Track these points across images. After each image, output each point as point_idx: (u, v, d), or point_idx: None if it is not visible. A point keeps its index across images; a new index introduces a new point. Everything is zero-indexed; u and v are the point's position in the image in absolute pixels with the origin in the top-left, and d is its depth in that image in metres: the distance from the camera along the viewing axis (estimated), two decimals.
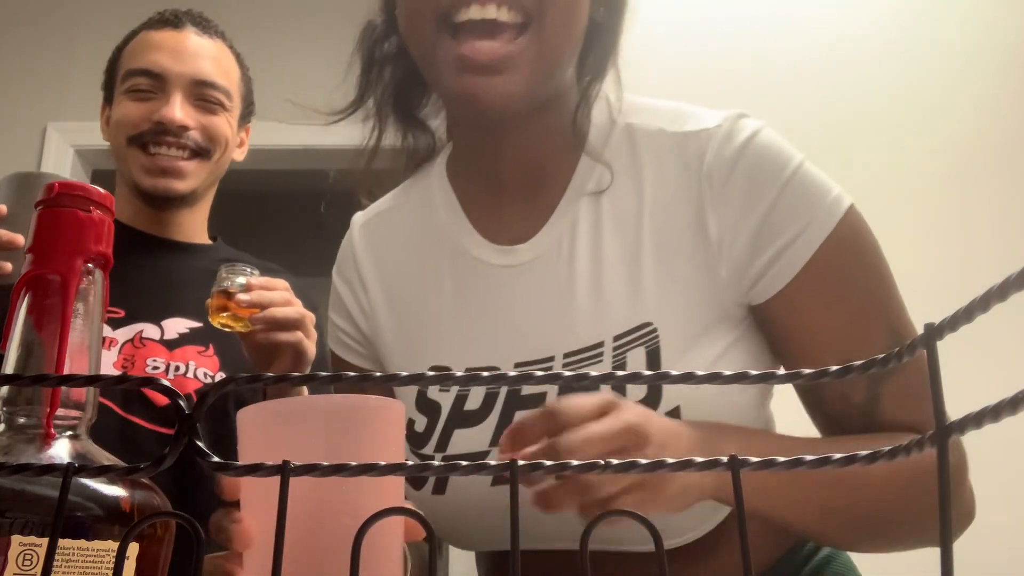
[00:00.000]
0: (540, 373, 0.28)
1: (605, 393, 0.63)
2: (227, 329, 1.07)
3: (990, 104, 1.98)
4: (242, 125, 1.40)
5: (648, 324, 0.74)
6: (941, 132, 1.96)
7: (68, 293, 0.45)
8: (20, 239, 1.00)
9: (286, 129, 3.15)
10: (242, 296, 1.04)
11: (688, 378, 0.28)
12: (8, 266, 1.00)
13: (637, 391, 0.71)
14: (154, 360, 1.18)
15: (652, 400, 0.70)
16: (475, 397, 0.78)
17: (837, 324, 0.73)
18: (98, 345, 0.47)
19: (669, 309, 0.74)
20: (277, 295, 1.08)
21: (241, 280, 1.06)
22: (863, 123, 1.96)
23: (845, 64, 1.99)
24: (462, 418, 0.78)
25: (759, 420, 0.77)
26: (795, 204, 0.72)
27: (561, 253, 0.79)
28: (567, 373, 0.28)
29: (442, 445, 0.78)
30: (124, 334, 1.19)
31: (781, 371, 0.27)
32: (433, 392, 0.80)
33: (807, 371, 0.28)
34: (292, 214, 4.36)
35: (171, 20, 1.31)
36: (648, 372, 0.28)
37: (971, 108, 1.97)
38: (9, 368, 0.45)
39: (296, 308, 1.09)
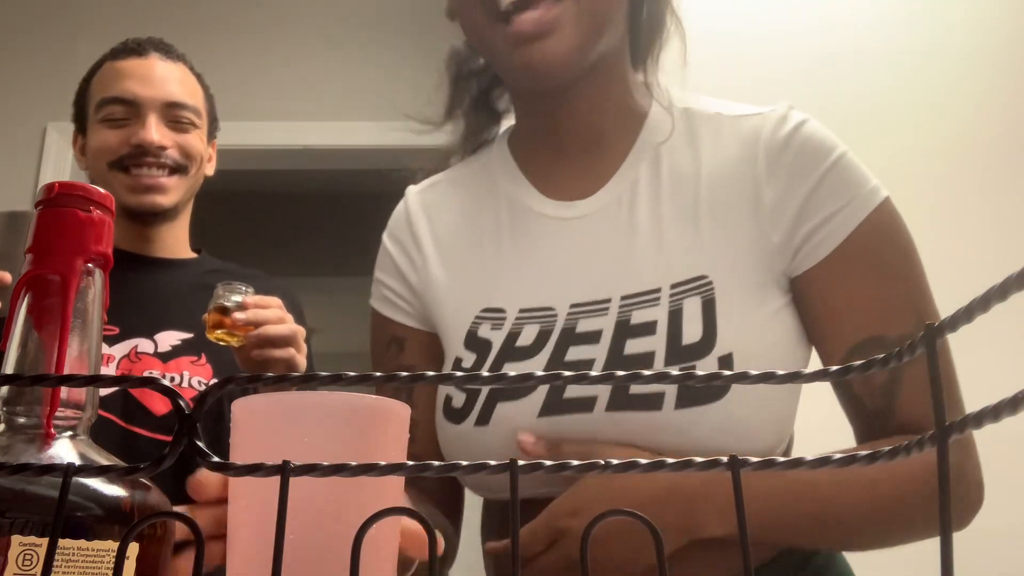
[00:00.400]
0: (540, 374, 0.28)
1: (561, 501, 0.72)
2: (222, 343, 1.13)
3: (991, 104, 1.98)
4: (209, 141, 1.47)
5: (704, 276, 0.79)
6: (941, 132, 1.96)
7: (68, 293, 0.45)
8: (8, 277, 1.04)
9: (277, 129, 3.14)
10: (238, 315, 1.10)
11: (687, 378, 0.28)
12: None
13: (693, 334, 0.77)
14: (150, 372, 1.23)
15: (705, 346, 0.76)
16: (527, 334, 0.83)
17: (868, 303, 0.78)
18: (98, 345, 0.47)
19: (725, 265, 0.80)
20: (271, 313, 1.14)
21: (237, 298, 1.11)
22: (863, 123, 1.96)
23: (844, 64, 1.99)
24: (512, 353, 0.83)
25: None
26: (838, 184, 0.80)
27: (621, 207, 0.85)
28: (567, 374, 0.28)
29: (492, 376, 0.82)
30: (120, 350, 1.25)
31: (780, 372, 0.27)
32: (484, 331, 0.85)
33: (806, 372, 0.28)
34: (279, 214, 4.37)
35: (135, 49, 1.39)
36: (648, 372, 0.28)
37: (972, 108, 1.97)
38: (9, 368, 0.45)
39: (288, 325, 1.16)
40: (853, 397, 0.80)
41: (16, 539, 0.41)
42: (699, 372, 0.28)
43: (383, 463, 0.26)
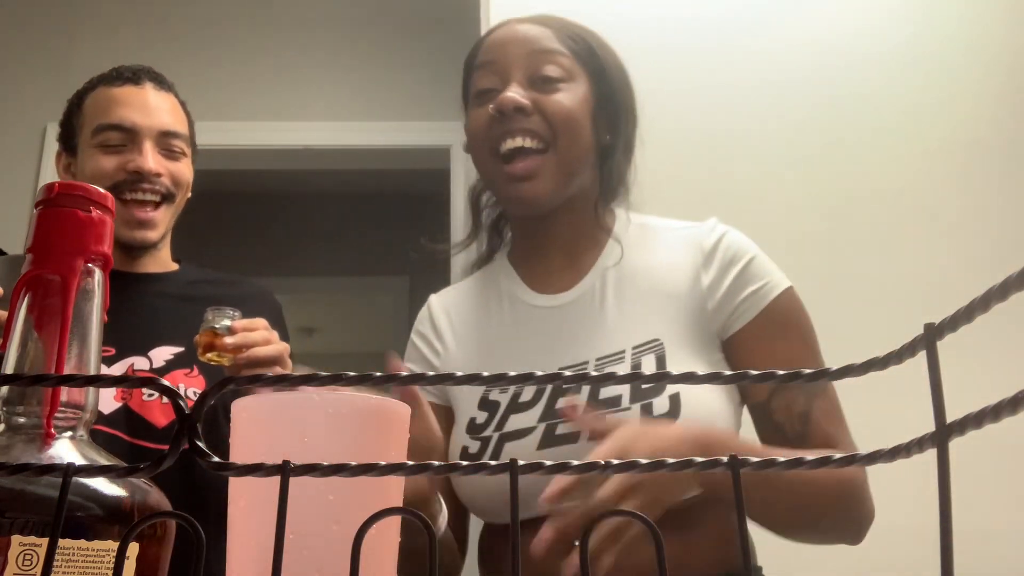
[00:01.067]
0: (540, 374, 0.28)
1: (622, 431, 0.86)
2: (213, 363, 1.22)
3: (991, 104, 1.98)
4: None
5: (657, 339, 1.05)
6: (941, 132, 1.96)
7: (68, 293, 0.45)
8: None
9: (276, 129, 3.14)
10: (228, 339, 1.19)
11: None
12: None
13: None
14: (148, 389, 1.26)
15: (659, 388, 0.99)
16: (527, 393, 1.08)
17: (780, 356, 1.04)
18: (98, 345, 0.47)
19: (671, 330, 1.06)
20: (258, 335, 1.21)
21: (226, 322, 1.21)
22: (863, 123, 1.96)
23: (844, 63, 1.99)
24: (517, 407, 1.06)
25: (736, 423, 1.06)
26: (757, 272, 1.08)
27: (594, 296, 1.11)
28: (567, 373, 0.28)
29: (500, 427, 1.06)
30: (118, 369, 1.30)
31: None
32: (494, 394, 1.10)
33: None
34: (278, 214, 4.37)
35: (130, 77, 1.44)
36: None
37: (972, 108, 1.97)
38: (9, 368, 0.45)
39: (275, 346, 1.22)
40: (774, 424, 1.03)
41: (16, 539, 0.41)
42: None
43: (383, 463, 0.26)
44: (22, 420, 0.45)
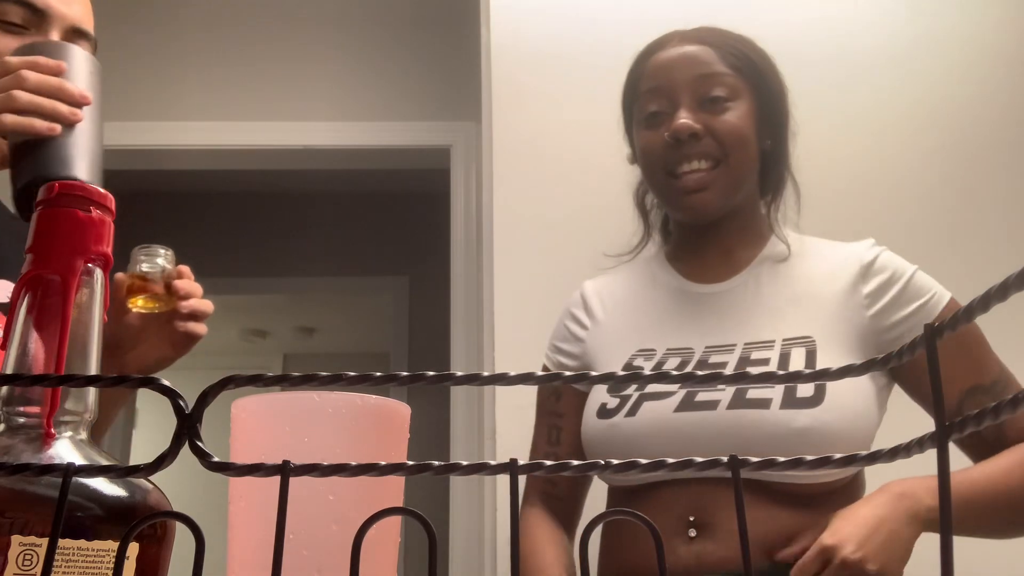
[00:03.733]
0: (539, 374, 0.28)
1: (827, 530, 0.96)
2: (139, 311, 1.06)
3: (993, 104, 1.98)
4: None
5: (809, 336, 1.10)
6: (941, 132, 1.96)
7: (68, 293, 0.45)
8: (90, 96, 0.98)
9: (277, 129, 3.14)
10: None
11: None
12: (80, 117, 0.96)
13: (797, 368, 1.05)
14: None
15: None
16: (670, 364, 1.14)
17: (962, 364, 1.08)
18: (98, 345, 0.47)
19: (825, 331, 1.10)
20: (198, 286, 1.11)
21: (160, 262, 1.06)
22: (863, 123, 1.96)
23: (844, 63, 1.99)
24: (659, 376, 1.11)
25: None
26: (923, 285, 1.12)
27: (747, 290, 1.18)
28: (566, 373, 0.28)
29: (642, 386, 1.12)
30: None
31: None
32: (639, 361, 1.17)
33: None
34: (278, 214, 4.37)
35: None
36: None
37: (973, 108, 1.97)
38: (9, 368, 0.45)
39: (208, 301, 1.12)
40: (974, 434, 1.06)
41: (16, 539, 0.41)
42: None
43: (383, 463, 0.26)
44: (22, 420, 0.45)
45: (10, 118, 0.95)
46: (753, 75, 1.19)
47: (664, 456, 1.00)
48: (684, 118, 1.14)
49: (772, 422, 1.01)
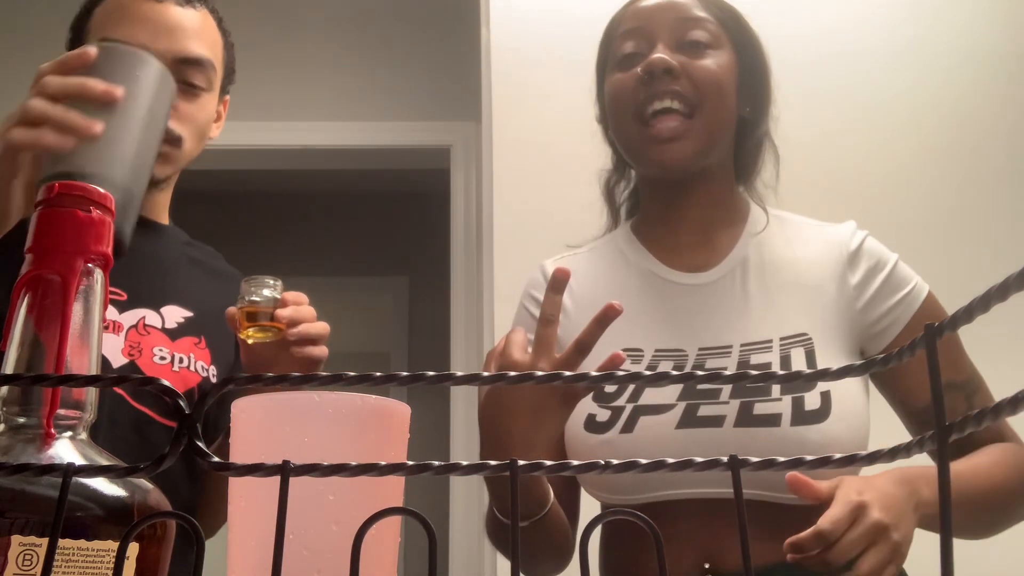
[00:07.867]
0: (539, 374, 0.28)
1: (846, 486, 0.86)
2: (252, 341, 1.07)
3: (993, 104, 1.98)
4: (221, 97, 1.30)
5: (805, 334, 1.04)
6: (941, 132, 1.96)
7: (68, 293, 0.45)
8: (118, 92, 0.94)
9: (277, 129, 3.14)
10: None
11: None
12: (98, 127, 0.92)
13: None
14: (160, 350, 1.15)
15: (811, 384, 0.99)
16: (662, 369, 1.06)
17: (944, 360, 0.96)
18: (98, 345, 0.47)
19: (819, 327, 1.05)
20: (308, 311, 1.08)
21: (267, 292, 1.06)
22: (863, 123, 1.96)
23: (844, 62, 1.99)
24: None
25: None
26: (904, 275, 1.09)
27: (735, 280, 1.09)
28: (566, 373, 0.28)
29: (634, 398, 1.03)
30: (128, 319, 1.15)
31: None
32: (625, 365, 1.03)
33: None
34: (278, 214, 4.37)
35: None
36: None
37: (974, 108, 1.97)
38: (9, 368, 0.45)
39: (322, 323, 1.10)
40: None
41: (16, 539, 0.41)
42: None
43: (383, 463, 0.26)
44: (22, 420, 0.45)
45: (19, 133, 0.93)
46: (737, 31, 1.13)
47: (669, 482, 0.97)
48: (660, 52, 1.07)
49: (784, 440, 0.95)
